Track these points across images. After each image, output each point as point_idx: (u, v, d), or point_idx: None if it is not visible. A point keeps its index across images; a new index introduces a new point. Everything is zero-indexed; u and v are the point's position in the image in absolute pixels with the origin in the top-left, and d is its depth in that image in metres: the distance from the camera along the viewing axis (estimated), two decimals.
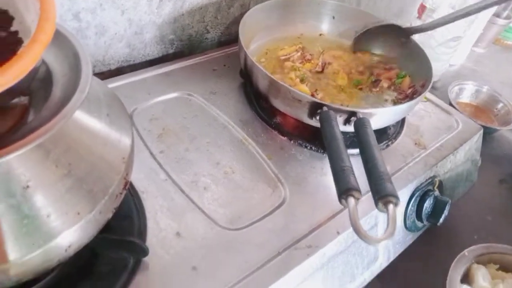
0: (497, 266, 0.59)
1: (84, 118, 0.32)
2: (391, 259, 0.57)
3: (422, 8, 1.03)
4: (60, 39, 0.34)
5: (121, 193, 0.34)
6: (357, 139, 0.45)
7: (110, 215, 0.34)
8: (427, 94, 0.72)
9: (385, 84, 0.63)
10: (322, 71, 0.64)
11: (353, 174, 0.38)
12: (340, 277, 0.49)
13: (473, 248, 0.59)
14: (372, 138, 0.43)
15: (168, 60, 0.66)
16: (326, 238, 0.46)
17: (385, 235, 0.34)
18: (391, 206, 0.35)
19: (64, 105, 0.29)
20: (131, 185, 0.46)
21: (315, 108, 0.50)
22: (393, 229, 0.34)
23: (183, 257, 0.42)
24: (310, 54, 0.66)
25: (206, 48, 0.71)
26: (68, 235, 0.29)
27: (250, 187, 0.50)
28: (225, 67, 0.68)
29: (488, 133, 0.94)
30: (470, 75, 1.19)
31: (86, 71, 0.32)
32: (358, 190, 0.36)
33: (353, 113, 0.49)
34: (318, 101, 0.49)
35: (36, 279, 0.37)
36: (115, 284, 0.38)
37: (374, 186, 0.37)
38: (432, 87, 1.09)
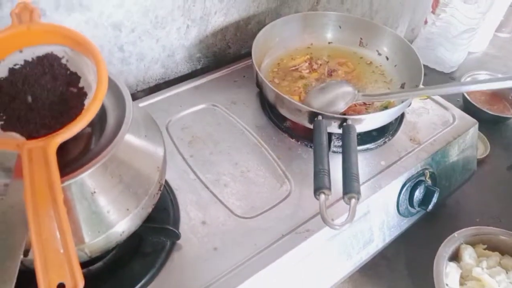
0: (485, 246, 0.67)
1: (129, 140, 0.45)
2: (386, 241, 0.66)
3: (436, 3, 1.08)
4: (110, 84, 0.46)
5: (157, 193, 0.47)
6: (342, 142, 0.55)
7: (150, 210, 0.46)
8: None
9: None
10: (330, 77, 0.74)
11: (328, 176, 0.48)
12: (337, 256, 0.60)
13: (463, 230, 0.67)
14: (353, 143, 0.53)
15: (197, 75, 0.78)
16: (322, 224, 0.56)
17: (344, 222, 0.45)
18: (353, 201, 0.46)
19: (116, 133, 0.43)
20: (167, 184, 0.59)
21: (312, 116, 0.60)
22: (352, 218, 0.45)
23: (207, 240, 0.54)
24: (317, 64, 0.76)
25: (229, 61, 0.82)
26: (122, 224, 0.42)
27: (261, 183, 0.62)
28: (245, 78, 0.79)
29: (501, 121, 0.99)
30: (491, 62, 1.21)
31: (129, 105, 0.45)
32: (329, 189, 0.47)
33: (344, 119, 0.59)
34: (314, 110, 0.60)
35: (101, 256, 0.52)
36: (157, 260, 0.52)
37: (344, 184, 0.48)
38: (450, 77, 1.14)
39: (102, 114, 0.46)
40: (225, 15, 0.77)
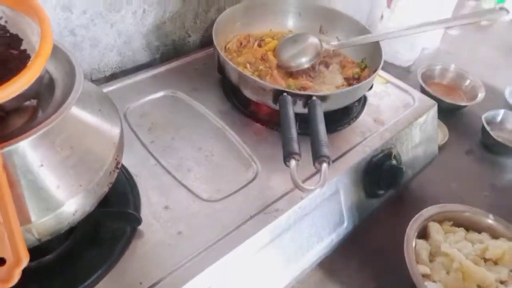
0: (451, 223, 0.67)
1: (80, 113, 0.41)
2: (356, 222, 0.66)
3: None
4: (58, 53, 0.43)
5: (114, 171, 0.43)
6: (308, 117, 0.54)
7: (106, 189, 0.43)
8: (387, 76, 0.80)
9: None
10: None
11: (297, 142, 0.47)
12: (308, 238, 0.58)
13: (429, 208, 0.67)
14: (320, 115, 0.52)
15: (155, 64, 0.75)
16: (291, 203, 0.55)
17: (316, 186, 0.43)
18: (324, 165, 0.45)
19: (63, 103, 0.39)
20: (126, 170, 0.55)
21: (277, 95, 0.59)
22: (324, 181, 0.43)
23: (171, 224, 0.51)
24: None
25: (189, 50, 0.80)
26: (74, 202, 0.38)
27: (227, 167, 0.59)
28: (206, 65, 0.77)
29: (456, 109, 1.02)
30: (444, 57, 1.26)
31: (79, 76, 0.41)
32: (298, 154, 0.45)
33: (309, 97, 0.58)
34: (279, 88, 0.59)
35: (54, 246, 0.47)
36: (116, 247, 0.48)
37: (313, 150, 0.47)
38: (407, 71, 1.18)
39: (49, 86, 0.42)
40: (182, 2, 0.75)
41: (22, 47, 0.37)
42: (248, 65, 0.70)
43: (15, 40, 0.37)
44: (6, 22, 0.37)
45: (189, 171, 0.58)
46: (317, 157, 0.45)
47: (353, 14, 0.78)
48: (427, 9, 1.08)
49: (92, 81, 0.71)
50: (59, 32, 0.62)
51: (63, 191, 0.38)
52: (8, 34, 0.37)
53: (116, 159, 0.44)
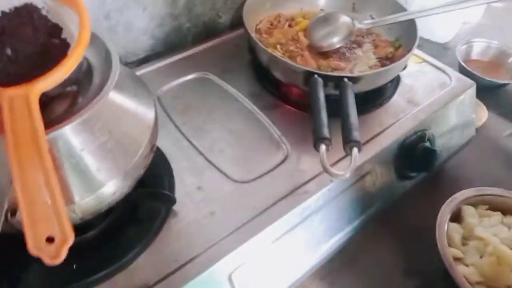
0: (487, 207, 0.66)
1: (116, 98, 0.43)
2: (387, 204, 0.65)
3: None
4: (95, 40, 0.44)
5: (149, 154, 0.45)
6: (339, 100, 0.53)
7: (142, 171, 0.45)
8: (423, 54, 0.77)
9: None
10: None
11: (328, 127, 0.47)
12: (337, 220, 0.59)
13: (463, 191, 0.66)
14: (351, 98, 0.52)
15: (187, 46, 0.76)
16: (320, 185, 0.55)
17: (347, 171, 0.43)
18: (354, 149, 0.44)
19: (102, 89, 0.41)
20: (160, 151, 0.57)
21: (307, 76, 0.59)
22: (354, 166, 0.43)
23: (203, 205, 0.53)
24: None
25: (220, 31, 0.80)
26: (113, 184, 0.40)
27: (258, 148, 0.60)
28: (236, 47, 0.77)
29: (497, 87, 0.98)
30: (486, 32, 1.19)
31: (115, 63, 0.43)
32: (329, 139, 0.45)
33: (340, 78, 0.57)
34: (309, 69, 0.58)
35: (95, 224, 0.50)
36: (152, 226, 0.50)
37: (344, 133, 0.47)
38: (444, 48, 1.13)
39: (88, 73, 0.44)
40: None
41: (63, 36, 0.39)
42: (278, 46, 0.70)
43: (56, 30, 0.39)
44: (47, 12, 0.39)
45: (220, 152, 0.59)
46: (348, 141, 0.45)
47: None
48: None
49: (127, 63, 0.73)
50: (95, 17, 0.64)
51: (102, 174, 0.40)
52: (49, 24, 0.39)
53: (151, 142, 0.45)
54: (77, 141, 0.38)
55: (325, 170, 0.44)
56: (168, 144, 0.59)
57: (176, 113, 0.64)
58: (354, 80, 0.58)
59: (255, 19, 0.74)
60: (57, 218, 0.31)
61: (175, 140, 0.60)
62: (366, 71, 0.66)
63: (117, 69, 0.42)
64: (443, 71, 0.75)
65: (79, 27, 0.36)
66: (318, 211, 0.55)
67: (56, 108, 0.41)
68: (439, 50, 1.11)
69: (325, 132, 0.46)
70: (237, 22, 0.83)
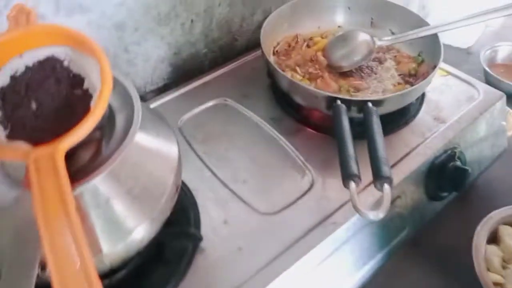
0: None
1: (140, 142, 0.43)
2: (418, 227, 0.63)
3: None
4: (116, 84, 0.44)
5: (175, 196, 0.45)
6: (364, 125, 0.52)
7: (168, 213, 0.44)
8: (448, 67, 0.75)
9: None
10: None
11: (356, 161, 0.45)
12: (368, 248, 0.57)
13: (499, 210, 0.63)
14: (377, 125, 0.50)
15: (204, 71, 0.75)
16: (349, 215, 0.53)
17: (380, 212, 0.41)
18: (386, 186, 0.43)
19: (125, 135, 0.41)
20: (184, 184, 0.57)
21: (330, 102, 0.57)
22: (387, 206, 0.41)
23: (231, 240, 0.52)
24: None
25: (236, 54, 0.80)
26: (140, 230, 0.40)
27: (282, 177, 0.59)
28: (254, 70, 0.76)
29: None
30: (509, 36, 1.15)
31: (137, 105, 0.42)
32: (358, 176, 0.44)
33: (364, 102, 0.56)
34: (332, 95, 0.57)
35: (123, 265, 0.49)
36: (180, 265, 0.49)
37: (373, 168, 0.45)
38: (467, 53, 1.09)
39: (110, 117, 0.44)
40: (229, 6, 0.74)
41: (85, 86, 0.39)
42: (297, 68, 0.69)
43: (78, 80, 0.39)
44: (69, 62, 0.39)
45: (244, 183, 0.58)
46: (378, 178, 0.44)
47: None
48: None
49: (146, 93, 0.74)
50: (114, 52, 0.65)
51: (129, 222, 0.39)
52: (71, 75, 0.39)
53: (176, 184, 0.45)
54: (104, 192, 0.38)
55: (357, 210, 0.43)
56: (191, 176, 0.58)
57: (198, 143, 0.63)
58: (378, 103, 0.56)
59: (273, 41, 0.74)
60: (87, 280, 0.31)
61: (197, 171, 0.59)
62: (390, 93, 0.64)
63: (139, 113, 0.42)
64: (470, 84, 0.73)
65: (101, 80, 0.36)
66: (348, 240, 0.54)
67: (81, 157, 0.41)
68: (462, 56, 1.08)
69: (354, 168, 0.44)
70: (254, 44, 0.82)
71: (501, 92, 0.71)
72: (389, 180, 0.43)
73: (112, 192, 0.38)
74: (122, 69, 0.67)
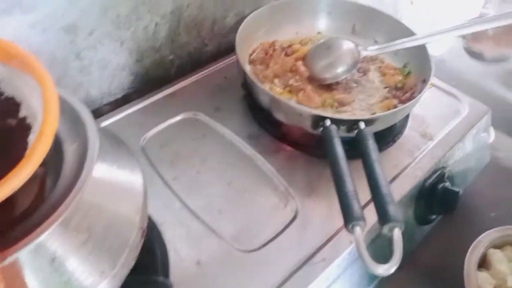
0: None
1: (97, 180, 0.34)
2: (407, 252, 0.58)
3: None
4: (64, 106, 0.35)
5: (140, 241, 0.37)
6: (359, 151, 0.46)
7: (132, 264, 0.36)
8: (432, 78, 0.71)
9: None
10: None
11: (357, 199, 0.39)
12: (359, 281, 0.51)
13: (487, 233, 0.60)
14: (374, 152, 0.44)
15: (171, 81, 0.67)
16: (340, 249, 0.48)
17: (393, 263, 0.36)
18: (396, 231, 0.37)
19: (78, 171, 0.32)
20: (150, 219, 0.49)
21: (317, 121, 0.51)
22: (400, 254, 0.36)
23: (205, 284, 0.44)
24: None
25: (207, 61, 0.72)
26: None
27: (262, 204, 0.52)
28: (227, 79, 0.69)
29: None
30: (482, 41, 1.15)
31: (92, 137, 0.34)
32: (363, 219, 0.38)
33: (355, 122, 0.50)
34: (320, 114, 0.51)
35: None
36: None
37: (378, 209, 0.39)
38: (440, 61, 1.07)
39: (56, 147, 0.35)
40: (199, 8, 0.66)
41: (21, 114, 0.30)
42: (276, 80, 0.62)
43: (12, 106, 0.30)
44: (0, 82, 0.30)
45: (219, 213, 0.51)
46: (386, 221, 0.38)
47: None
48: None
49: (103, 105, 0.64)
50: (64, 58, 0.55)
51: (83, 282, 0.31)
52: (3, 97, 0.30)
53: (141, 227, 0.37)
54: (49, 250, 0.29)
55: (364, 262, 0.37)
56: (158, 207, 0.50)
57: (165, 166, 0.55)
58: (370, 122, 0.51)
59: (249, 48, 0.67)
60: None
61: (166, 202, 0.51)
62: (377, 107, 0.59)
63: (95, 145, 0.33)
64: (455, 97, 0.69)
65: (43, 110, 0.27)
66: (339, 277, 0.48)
67: (21, 201, 0.32)
68: (435, 63, 1.06)
69: (357, 210, 0.38)
70: (226, 49, 0.75)
71: (486, 107, 0.68)
72: (400, 224, 0.38)
73: (60, 249, 0.30)
74: (74, 78, 0.58)
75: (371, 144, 0.46)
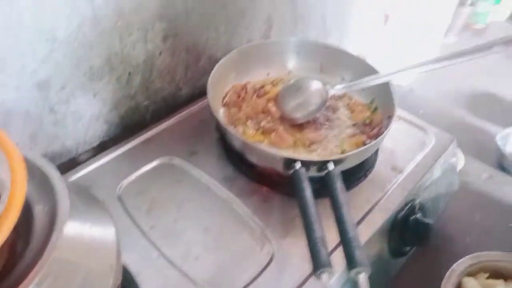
0: (487, 274, 0.62)
1: (68, 241, 0.35)
2: (383, 285, 0.59)
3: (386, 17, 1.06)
4: (32, 169, 0.36)
5: None
6: (328, 193, 0.48)
7: None
8: (399, 111, 0.74)
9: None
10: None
11: (324, 245, 0.41)
12: None
13: (460, 261, 0.61)
14: (343, 195, 0.46)
15: (147, 126, 0.68)
16: None
17: None
18: (362, 276, 0.38)
19: (47, 235, 0.32)
20: (127, 271, 0.49)
21: (288, 163, 0.53)
22: None
23: None
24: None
25: (182, 105, 0.73)
26: None
27: (239, 249, 0.53)
28: (202, 121, 0.70)
29: None
30: (445, 71, 1.20)
31: (62, 199, 0.35)
32: (329, 266, 0.39)
33: (325, 163, 0.52)
34: (290, 156, 0.52)
35: None
36: None
37: (346, 254, 0.40)
38: (408, 90, 1.12)
39: (26, 209, 0.36)
40: (171, 55, 0.69)
41: None
42: (249, 122, 0.64)
43: None
44: None
45: (196, 260, 0.51)
46: (353, 266, 0.39)
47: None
48: (424, 24, 1.03)
49: (79, 155, 0.65)
50: (38, 113, 0.56)
51: None
52: None
53: (115, 284, 0.37)
54: None
55: None
56: (135, 258, 0.50)
57: (142, 214, 0.56)
58: (339, 162, 0.53)
59: (221, 91, 0.69)
60: None
61: (143, 252, 0.52)
62: (347, 144, 0.61)
63: (65, 209, 0.34)
64: (421, 128, 0.72)
65: (11, 180, 0.28)
66: None
67: None
68: (403, 93, 1.10)
69: (325, 256, 0.39)
70: (200, 92, 0.77)
71: (451, 136, 0.71)
72: (365, 269, 0.39)
73: None
74: (49, 132, 0.58)
75: (339, 187, 0.47)
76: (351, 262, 0.39)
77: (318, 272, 0.39)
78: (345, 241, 0.41)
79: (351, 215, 0.44)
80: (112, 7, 0.55)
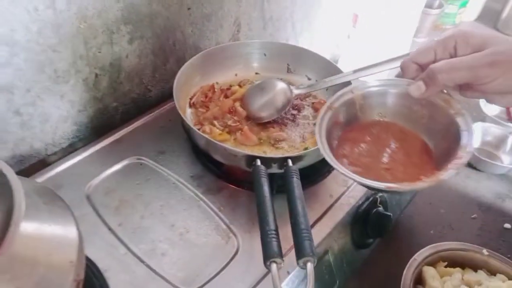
0: (445, 263, 0.65)
1: (26, 240, 0.36)
2: (348, 277, 0.62)
3: (355, 17, 1.09)
4: None
5: None
6: (286, 189, 0.50)
7: None
8: None
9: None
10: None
11: (277, 238, 0.43)
12: None
13: (422, 251, 0.64)
14: (298, 189, 0.48)
15: (116, 126, 0.69)
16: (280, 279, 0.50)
17: None
18: (309, 265, 0.40)
19: (3, 237, 0.34)
20: (95, 266, 0.50)
21: (250, 160, 0.55)
22: (312, 285, 0.39)
23: None
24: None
25: (151, 105, 0.75)
26: None
27: (204, 243, 0.54)
28: (171, 122, 0.72)
29: None
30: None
31: (19, 201, 0.35)
32: (280, 256, 0.41)
33: (284, 159, 0.54)
34: (251, 154, 0.54)
35: None
36: None
37: (295, 244, 0.42)
38: None
39: None
40: (138, 57, 0.70)
41: None
42: (215, 122, 0.65)
43: None
44: None
45: (163, 256, 0.53)
46: (301, 256, 0.41)
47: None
48: (393, 25, 1.06)
49: (48, 155, 0.65)
50: (2, 116, 0.56)
51: None
52: None
53: (75, 280, 0.38)
54: None
55: None
56: (102, 254, 0.52)
57: (110, 213, 0.57)
58: (298, 159, 0.55)
59: (188, 92, 0.70)
60: None
61: (110, 248, 0.53)
62: (309, 142, 0.63)
63: (20, 207, 0.35)
64: None
65: None
66: None
67: None
68: None
69: (275, 247, 0.41)
70: (169, 93, 0.77)
71: None
72: (313, 259, 0.41)
73: None
74: (15, 134, 0.59)
75: (294, 181, 0.49)
76: (299, 252, 0.42)
77: (268, 262, 0.41)
78: (296, 232, 0.43)
79: (304, 208, 0.46)
80: (74, 11, 0.56)
